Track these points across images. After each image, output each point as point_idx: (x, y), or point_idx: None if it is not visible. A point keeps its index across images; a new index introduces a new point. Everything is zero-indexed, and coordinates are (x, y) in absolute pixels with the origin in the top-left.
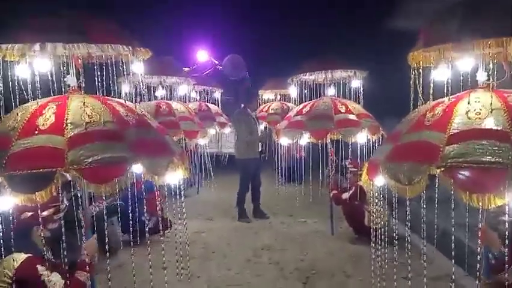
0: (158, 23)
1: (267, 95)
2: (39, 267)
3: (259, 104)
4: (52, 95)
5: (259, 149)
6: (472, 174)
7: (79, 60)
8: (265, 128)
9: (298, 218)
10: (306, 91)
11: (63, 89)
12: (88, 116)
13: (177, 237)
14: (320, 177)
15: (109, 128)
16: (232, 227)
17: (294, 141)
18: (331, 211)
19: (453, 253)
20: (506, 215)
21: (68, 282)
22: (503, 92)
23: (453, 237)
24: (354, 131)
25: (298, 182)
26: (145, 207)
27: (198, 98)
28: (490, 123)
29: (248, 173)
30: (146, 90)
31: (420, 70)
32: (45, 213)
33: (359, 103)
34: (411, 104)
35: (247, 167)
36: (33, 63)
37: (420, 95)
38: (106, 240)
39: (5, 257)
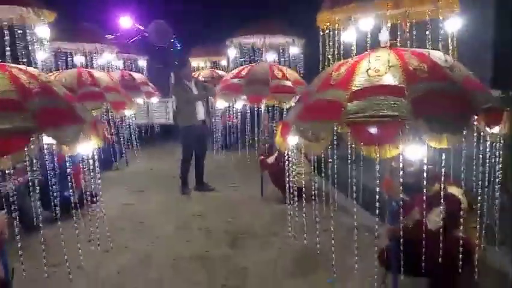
0: None
1: (196, 62)
2: None
3: None
4: None
5: (203, 117)
6: (370, 128)
7: None
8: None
9: (229, 184)
10: (246, 57)
11: None
12: None
13: (102, 210)
14: (248, 143)
15: (8, 96)
16: (163, 197)
17: (230, 104)
18: (261, 175)
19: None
20: (400, 165)
21: None
22: (401, 50)
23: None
24: (289, 97)
25: (231, 148)
26: (67, 181)
27: (122, 66)
28: (387, 80)
29: (189, 140)
30: (63, 57)
31: (331, 32)
32: None
33: (297, 71)
34: (321, 66)
35: (188, 135)
36: None
37: (330, 57)
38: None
39: None
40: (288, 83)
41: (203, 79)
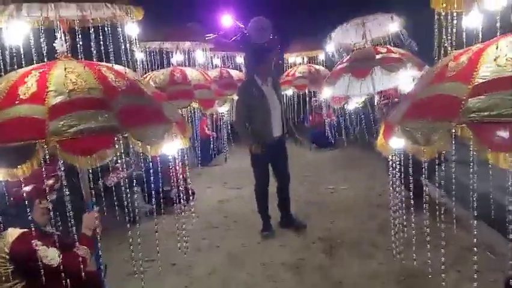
0: None
1: (292, 58)
2: (35, 242)
3: (284, 69)
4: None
5: (279, 132)
6: (498, 130)
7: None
8: (293, 93)
9: (327, 185)
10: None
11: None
12: (72, 82)
13: (193, 208)
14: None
15: (94, 95)
16: None
17: (336, 91)
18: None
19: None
20: None
21: (66, 256)
22: None
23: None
24: (398, 66)
25: (330, 147)
26: (166, 177)
27: (221, 64)
28: None
29: (261, 163)
30: (163, 57)
31: (449, 16)
32: (50, 181)
33: None
34: (436, 56)
35: (259, 156)
36: (12, 27)
37: (448, 45)
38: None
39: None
40: (395, 55)
41: (300, 74)
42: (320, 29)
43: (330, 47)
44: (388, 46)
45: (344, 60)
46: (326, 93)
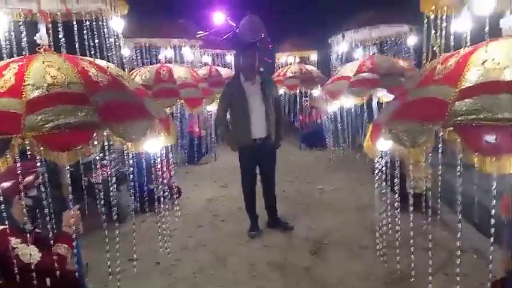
0: None
1: (284, 58)
2: (13, 240)
3: (276, 68)
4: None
5: (263, 134)
6: (485, 134)
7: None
8: (284, 93)
9: (316, 185)
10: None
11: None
12: (51, 76)
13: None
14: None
15: (74, 89)
16: None
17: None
18: None
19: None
20: None
21: (46, 254)
22: None
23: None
24: None
25: (320, 147)
26: (151, 175)
27: (211, 62)
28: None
29: (247, 162)
30: (148, 53)
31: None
32: (30, 177)
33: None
34: (423, 60)
35: (244, 156)
36: None
37: (437, 49)
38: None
39: None
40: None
41: (291, 74)
42: (312, 29)
43: (343, 47)
44: (403, 59)
45: (365, 69)
46: (347, 101)
